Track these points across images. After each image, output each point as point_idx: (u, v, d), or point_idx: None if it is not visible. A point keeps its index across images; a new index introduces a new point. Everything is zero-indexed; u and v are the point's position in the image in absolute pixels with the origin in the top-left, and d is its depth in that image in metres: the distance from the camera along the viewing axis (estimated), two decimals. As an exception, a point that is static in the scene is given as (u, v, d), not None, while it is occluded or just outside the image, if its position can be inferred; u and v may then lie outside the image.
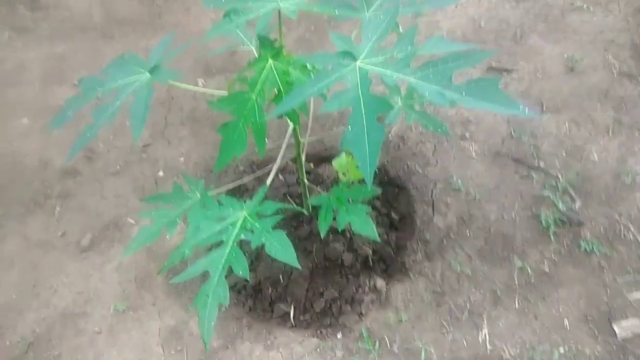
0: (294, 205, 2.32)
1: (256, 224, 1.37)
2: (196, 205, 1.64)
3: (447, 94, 1.17)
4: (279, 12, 1.47)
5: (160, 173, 2.57)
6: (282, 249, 1.29)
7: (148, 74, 1.55)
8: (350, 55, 1.30)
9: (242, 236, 1.36)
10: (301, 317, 2.17)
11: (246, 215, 1.42)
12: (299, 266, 1.29)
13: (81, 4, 3.16)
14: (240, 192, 2.46)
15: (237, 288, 2.24)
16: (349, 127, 1.20)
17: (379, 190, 1.73)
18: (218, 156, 1.52)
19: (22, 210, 2.48)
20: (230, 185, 2.00)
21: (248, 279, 1.31)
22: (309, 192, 2.09)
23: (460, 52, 1.25)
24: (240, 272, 1.28)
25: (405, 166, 2.54)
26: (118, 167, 2.59)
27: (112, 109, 1.51)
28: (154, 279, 2.28)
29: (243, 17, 1.47)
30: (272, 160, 2.51)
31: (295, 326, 2.16)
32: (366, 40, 1.34)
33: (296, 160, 1.91)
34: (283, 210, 1.43)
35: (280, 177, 2.45)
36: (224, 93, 1.53)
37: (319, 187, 2.38)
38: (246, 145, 1.47)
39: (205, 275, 1.36)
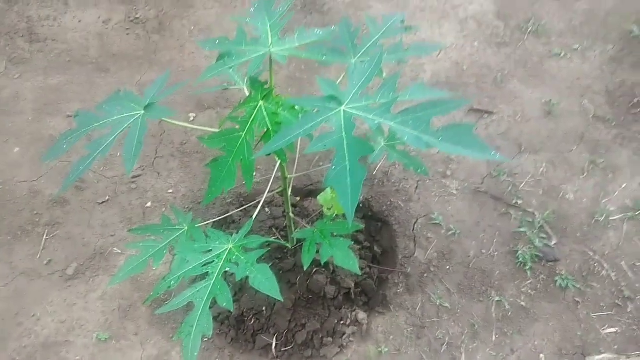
0: (279, 239, 2.38)
1: (241, 257, 1.43)
2: (183, 237, 1.69)
3: (424, 139, 1.25)
4: (270, 57, 1.56)
5: (149, 204, 2.61)
6: (265, 282, 1.34)
7: (142, 111, 1.63)
8: (336, 100, 1.39)
9: (227, 269, 1.41)
10: (283, 349, 2.20)
11: (232, 248, 1.47)
12: (281, 299, 1.34)
13: (78, 37, 3.26)
14: (227, 224, 2.51)
15: (221, 319, 2.26)
16: (333, 166, 1.28)
17: (361, 226, 1.80)
18: (207, 190, 1.58)
19: (9, 238, 2.50)
20: (218, 218, 2.05)
21: (232, 310, 1.35)
22: (294, 225, 2.15)
23: (439, 100, 1.35)
24: (225, 304, 1.32)
25: (389, 202, 2.62)
26: (107, 197, 2.63)
27: (106, 143, 1.58)
28: (137, 309, 2.30)
29: (236, 60, 1.56)
30: (259, 192, 2.58)
31: (277, 357, 2.18)
32: (351, 86, 1.43)
33: (283, 194, 1.98)
34: (268, 243, 1.48)
35: (267, 210, 2.51)
36: (214, 130, 1.60)
37: (304, 220, 2.45)
38: (235, 181, 1.54)
39: (189, 306, 1.40)
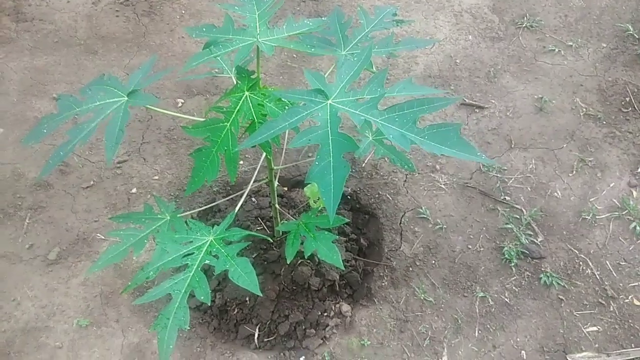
0: (265, 229, 2.36)
1: (222, 249, 1.41)
2: (165, 226, 1.67)
3: (409, 137, 1.24)
4: (257, 47, 1.53)
5: (134, 190, 2.58)
6: (244, 276, 1.33)
7: (125, 98, 1.59)
8: (323, 93, 1.36)
9: (207, 261, 1.39)
10: (265, 339, 2.19)
11: (213, 240, 1.46)
12: (260, 294, 1.32)
13: (66, 18, 3.19)
14: (212, 213, 2.49)
15: (203, 308, 2.25)
16: (316, 162, 1.26)
17: (346, 219, 1.78)
18: (189, 180, 1.56)
19: (-9, 221, 2.46)
20: (204, 207, 2.03)
21: (209, 303, 1.34)
22: (280, 216, 2.13)
23: (426, 97, 1.33)
24: (202, 298, 1.31)
25: (377, 194, 2.61)
26: (92, 182, 2.59)
27: (88, 130, 1.54)
28: (119, 296, 2.28)
29: (223, 49, 1.53)
30: (246, 181, 2.56)
31: (259, 348, 2.18)
32: (339, 80, 1.41)
33: (269, 184, 1.96)
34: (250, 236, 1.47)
35: (254, 199, 2.49)
36: (199, 119, 1.57)
37: (290, 211, 2.43)
38: (217, 172, 1.52)
39: (169, 297, 1.38)
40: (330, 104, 1.35)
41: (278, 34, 1.58)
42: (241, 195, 1.87)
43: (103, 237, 2.42)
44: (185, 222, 1.60)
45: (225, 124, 1.51)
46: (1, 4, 3.19)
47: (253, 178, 1.80)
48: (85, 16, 3.20)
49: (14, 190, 2.54)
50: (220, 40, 1.56)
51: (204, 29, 1.65)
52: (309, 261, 2.23)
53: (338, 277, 2.28)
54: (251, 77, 1.58)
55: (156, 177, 2.62)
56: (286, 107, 1.51)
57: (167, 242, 1.47)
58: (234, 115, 1.50)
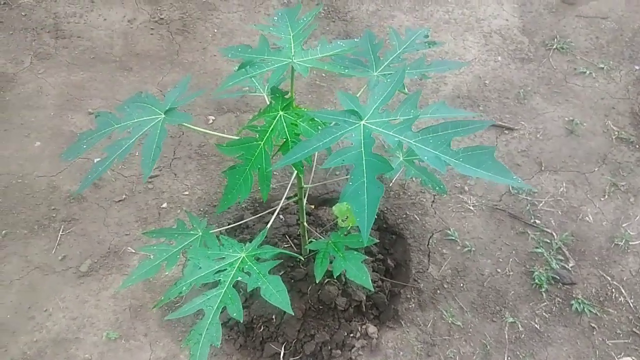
0: (292, 247, 2.37)
1: (254, 266, 1.42)
2: (197, 242, 1.69)
3: (443, 159, 1.24)
4: (292, 68, 1.56)
5: (165, 205, 2.63)
6: (276, 294, 1.33)
7: (162, 115, 1.63)
8: (356, 114, 1.38)
9: (239, 278, 1.40)
10: (291, 358, 2.18)
11: (245, 257, 1.47)
12: (291, 312, 1.33)
13: (103, 35, 3.30)
14: (240, 229, 2.51)
15: (230, 324, 2.26)
16: (350, 182, 1.27)
17: (376, 240, 1.78)
18: (222, 197, 1.58)
19: (25, 232, 2.53)
20: (233, 225, 2.05)
21: (242, 320, 1.35)
22: (307, 234, 2.14)
23: (460, 120, 1.33)
24: (235, 315, 1.32)
25: (404, 215, 2.59)
26: (124, 195, 2.65)
27: (125, 146, 1.58)
28: (148, 310, 2.30)
29: (258, 69, 1.56)
30: (274, 198, 2.58)
31: (285, 367, 2.17)
32: (372, 101, 1.42)
33: (297, 202, 1.97)
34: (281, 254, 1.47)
35: (281, 217, 2.50)
36: (233, 137, 1.60)
37: (318, 229, 2.44)
38: (250, 190, 1.54)
39: (199, 312, 1.40)
40: (363, 124, 1.36)
41: (312, 55, 1.60)
42: (272, 213, 1.88)
43: (134, 251, 2.46)
44: (217, 238, 1.62)
45: (259, 142, 1.53)
46: (42, 21, 3.32)
47: (285, 195, 1.81)
48: (121, 34, 3.30)
49: (48, 202, 2.61)
50: (256, 61, 1.60)
51: (239, 50, 1.69)
52: (335, 281, 2.22)
53: (365, 298, 2.26)
54: (285, 97, 1.61)
55: (186, 193, 2.67)
56: (319, 127, 1.53)
57: (200, 258, 1.49)
58: (268, 134, 1.52)
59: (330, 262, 1.76)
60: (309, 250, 2.19)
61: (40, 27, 3.30)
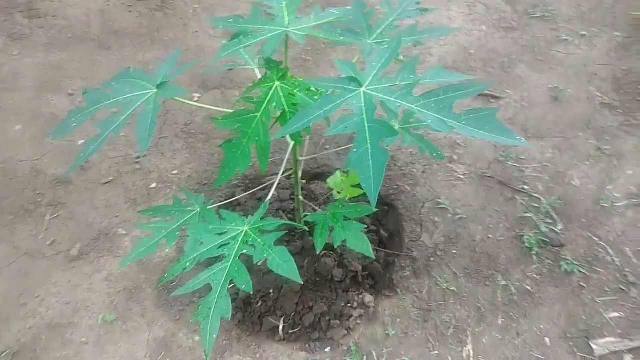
0: (289, 221, 2.37)
1: (258, 239, 1.41)
2: (196, 218, 1.68)
3: (448, 122, 1.24)
4: (286, 36, 1.53)
5: (153, 185, 2.59)
6: (284, 265, 1.33)
7: (154, 90, 1.59)
8: (356, 81, 1.37)
9: (244, 251, 1.39)
10: (290, 331, 2.20)
11: (248, 230, 1.46)
12: (300, 281, 1.33)
13: (79, 14, 3.19)
14: (232, 207, 2.49)
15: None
16: (354, 149, 1.26)
17: (374, 209, 1.79)
18: (219, 171, 1.56)
19: (11, 218, 2.46)
20: (225, 202, 2.03)
21: (251, 292, 1.34)
22: (302, 208, 2.14)
23: (459, 83, 1.33)
24: (244, 287, 1.31)
25: (395, 186, 2.61)
26: (111, 177, 2.60)
27: (118, 122, 1.55)
28: (143, 291, 2.29)
29: (252, 39, 1.53)
30: (265, 175, 2.56)
31: (284, 340, 2.18)
32: (371, 68, 1.41)
33: (291, 177, 1.96)
34: (285, 226, 1.47)
35: (274, 192, 2.49)
36: (227, 110, 1.58)
37: (312, 203, 2.44)
38: (249, 163, 1.52)
39: (197, 290, 1.39)
40: (364, 91, 1.35)
41: (306, 23, 1.58)
42: (264, 189, 1.87)
43: (125, 232, 2.43)
44: (217, 213, 1.60)
45: (257, 114, 1.51)
46: (14, 1, 3.19)
47: (282, 169, 1.80)
48: (98, 12, 3.20)
49: (33, 186, 2.54)
50: (250, 31, 1.57)
51: (231, 20, 1.65)
52: (332, 253, 2.23)
53: (361, 268, 2.29)
54: (280, 67, 1.58)
55: (175, 172, 2.63)
56: (316, 97, 1.51)
57: (201, 233, 1.47)
58: (265, 106, 1.50)
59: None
60: (305, 223, 2.20)
61: (12, 7, 3.17)
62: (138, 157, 2.67)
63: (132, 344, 2.17)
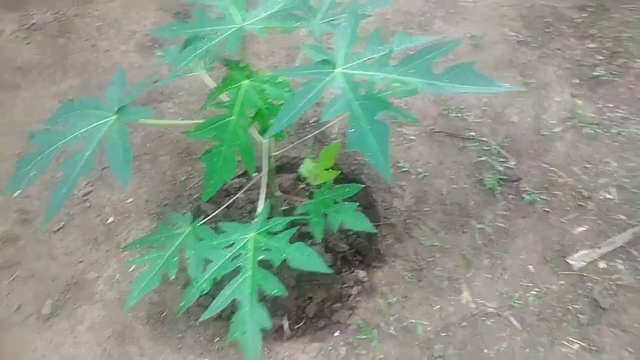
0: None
1: (271, 241, 1.38)
2: (190, 239, 1.61)
3: (434, 84, 1.27)
4: (243, 32, 1.48)
5: (111, 219, 2.43)
6: (307, 259, 1.32)
7: (114, 116, 1.49)
8: (329, 63, 1.36)
9: (262, 257, 1.36)
10: (296, 326, 2.19)
11: (256, 236, 1.42)
12: (329, 270, 1.32)
13: (-29, 57, 2.88)
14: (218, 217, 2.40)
15: (225, 315, 2.19)
16: (351, 129, 1.26)
17: (360, 185, 1.80)
18: (205, 184, 1.50)
19: (-40, 293, 2.22)
20: (205, 220, 1.96)
21: (286, 295, 1.31)
22: (279, 204, 2.11)
23: (430, 45, 1.37)
24: (276, 292, 1.28)
25: (355, 161, 2.64)
26: (62, 222, 2.40)
27: (85, 158, 1.43)
28: (134, 329, 2.16)
29: (209, 42, 1.46)
30: (226, 184, 2.49)
31: (293, 337, 2.17)
32: (338, 48, 1.40)
33: (265, 175, 1.92)
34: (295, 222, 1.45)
35: (242, 195, 2.43)
36: (199, 121, 1.51)
37: (290, 197, 2.41)
38: (235, 167, 1.47)
39: (189, 312, 1.32)
40: (341, 72, 1.35)
41: (258, 15, 1.54)
42: (231, 196, 1.82)
43: (96, 275, 2.27)
44: (213, 228, 1.55)
45: (231, 118, 1.46)
46: None
47: (264, 171, 1.75)
48: (-8, 51, 2.90)
49: (-24, 254, 2.30)
50: (202, 34, 1.50)
51: (174, 28, 1.58)
52: (316, 241, 2.23)
53: (347, 248, 2.31)
54: (241, 65, 1.54)
55: (130, 200, 2.48)
56: (286, 89, 1.48)
57: (207, 251, 1.42)
58: (239, 107, 1.46)
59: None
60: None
61: None
62: (85, 195, 2.48)
63: (139, 385, 2.05)
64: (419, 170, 2.61)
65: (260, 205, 1.52)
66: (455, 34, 3.09)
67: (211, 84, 1.76)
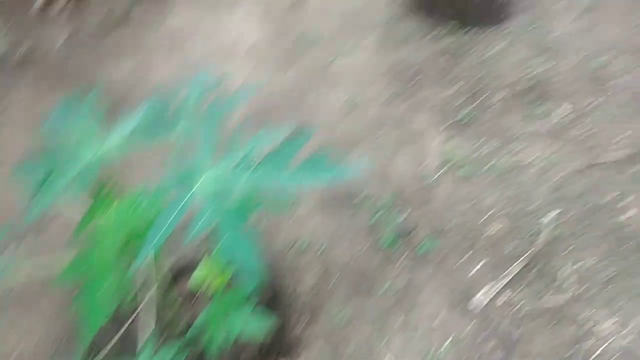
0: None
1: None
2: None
3: (293, 182, 1.30)
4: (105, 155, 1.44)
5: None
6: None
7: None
8: (189, 176, 1.35)
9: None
10: None
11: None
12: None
13: None
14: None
15: None
16: (220, 239, 1.24)
17: (260, 278, 1.76)
18: (83, 331, 1.39)
19: None
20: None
21: None
22: (178, 318, 2.00)
23: (286, 140, 1.41)
24: None
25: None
26: None
27: None
28: None
29: (70, 172, 1.40)
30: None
31: None
32: (199, 156, 1.40)
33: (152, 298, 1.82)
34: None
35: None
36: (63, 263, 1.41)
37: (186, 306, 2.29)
38: (117, 299, 1.39)
39: None
40: (202, 181, 1.34)
41: (118, 135, 1.51)
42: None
43: None
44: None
45: (97, 249, 1.39)
46: None
47: (154, 288, 1.66)
48: None
49: None
50: (60, 165, 1.43)
51: (30, 166, 1.49)
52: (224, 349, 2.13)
53: (260, 343, 2.23)
54: (105, 192, 1.48)
55: (14, 355, 2.24)
56: (139, 208, 1.44)
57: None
58: (107, 236, 1.39)
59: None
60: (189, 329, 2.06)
61: None
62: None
63: None
64: (318, 243, 2.62)
65: (141, 342, 1.43)
66: (331, 102, 3.25)
67: (77, 215, 1.67)
